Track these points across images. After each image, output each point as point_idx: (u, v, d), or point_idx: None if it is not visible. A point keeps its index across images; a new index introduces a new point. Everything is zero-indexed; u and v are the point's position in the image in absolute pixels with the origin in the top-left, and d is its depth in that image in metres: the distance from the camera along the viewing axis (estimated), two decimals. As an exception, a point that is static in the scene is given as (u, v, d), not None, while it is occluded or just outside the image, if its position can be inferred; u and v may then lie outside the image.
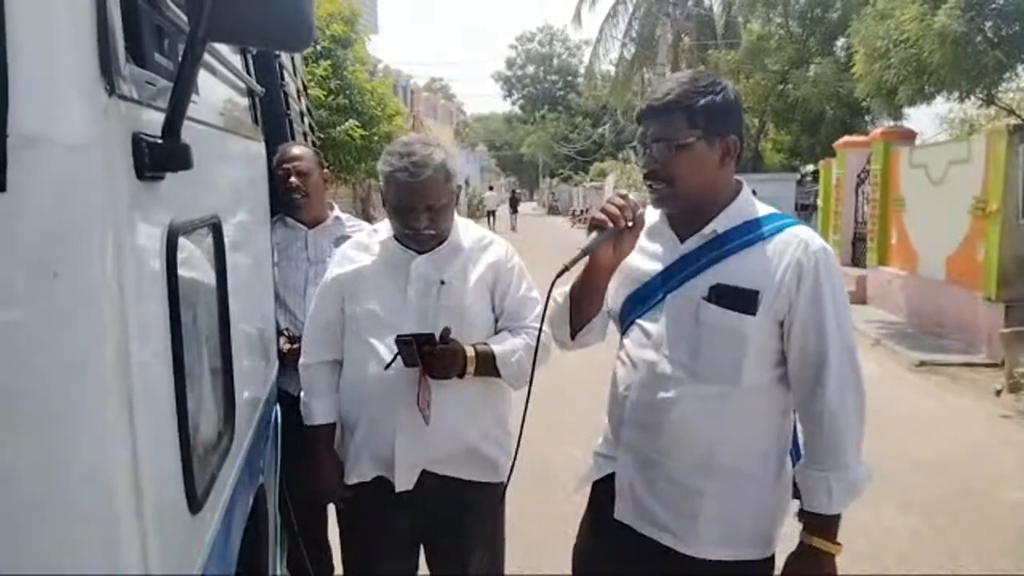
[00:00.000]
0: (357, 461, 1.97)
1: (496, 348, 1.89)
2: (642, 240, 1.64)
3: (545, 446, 3.80)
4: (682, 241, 1.60)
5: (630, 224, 1.53)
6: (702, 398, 1.55)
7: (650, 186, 1.58)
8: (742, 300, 1.50)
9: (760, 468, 1.59)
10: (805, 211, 17.31)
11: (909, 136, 10.79)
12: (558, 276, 1.54)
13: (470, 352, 1.85)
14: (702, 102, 1.50)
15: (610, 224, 1.52)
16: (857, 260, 11.52)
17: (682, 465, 1.58)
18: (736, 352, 1.52)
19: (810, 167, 18.25)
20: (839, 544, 1.53)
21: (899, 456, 4.72)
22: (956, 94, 8.55)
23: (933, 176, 8.93)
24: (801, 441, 1.64)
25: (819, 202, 13.67)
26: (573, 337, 1.70)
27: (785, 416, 1.61)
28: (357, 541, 2.05)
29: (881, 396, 6.12)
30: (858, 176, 11.61)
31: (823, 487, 1.51)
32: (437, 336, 1.81)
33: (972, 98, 8.97)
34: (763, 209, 1.61)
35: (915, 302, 9.05)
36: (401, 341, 1.81)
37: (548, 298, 1.64)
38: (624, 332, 1.70)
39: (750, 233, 1.55)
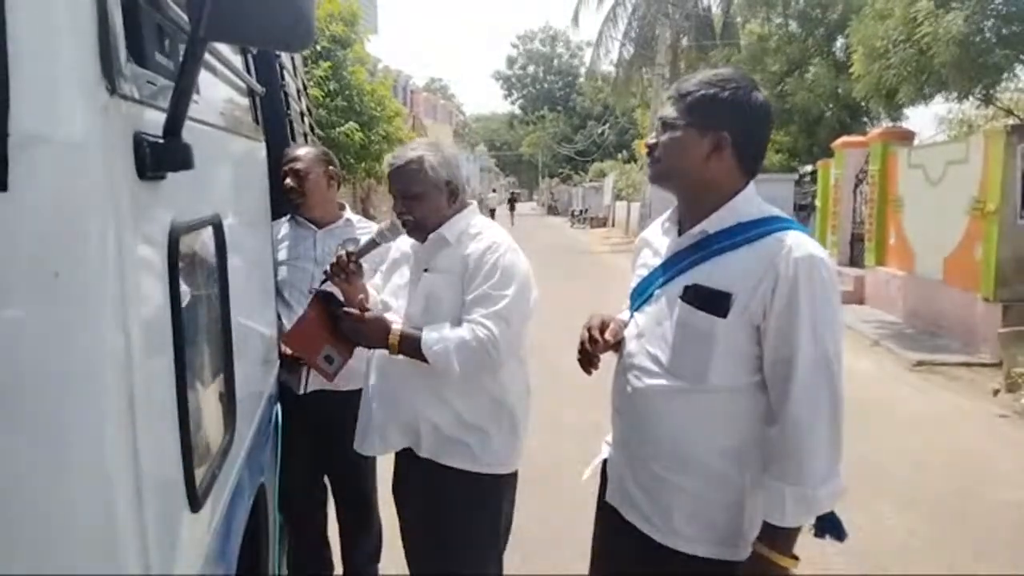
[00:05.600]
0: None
1: (424, 333, 1.93)
2: (657, 236, 1.72)
3: (545, 446, 3.80)
4: (680, 236, 1.64)
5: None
6: (670, 392, 1.57)
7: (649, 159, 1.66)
8: (713, 302, 1.51)
9: (735, 470, 1.55)
10: (803, 211, 17.30)
11: (907, 136, 10.79)
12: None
13: (395, 328, 1.96)
14: (698, 94, 1.55)
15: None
16: (855, 260, 11.52)
17: (657, 457, 1.60)
18: (703, 351, 1.52)
19: (808, 167, 18.24)
20: (794, 558, 1.47)
21: (897, 456, 4.73)
22: (955, 94, 8.55)
23: (931, 176, 8.94)
24: None
25: (817, 202, 13.67)
26: None
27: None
28: None
29: (879, 396, 6.15)
30: (856, 176, 11.61)
31: (778, 499, 1.45)
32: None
33: (971, 98, 8.97)
34: (766, 211, 1.58)
35: (913, 302, 9.05)
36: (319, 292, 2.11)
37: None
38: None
39: (739, 235, 1.54)
